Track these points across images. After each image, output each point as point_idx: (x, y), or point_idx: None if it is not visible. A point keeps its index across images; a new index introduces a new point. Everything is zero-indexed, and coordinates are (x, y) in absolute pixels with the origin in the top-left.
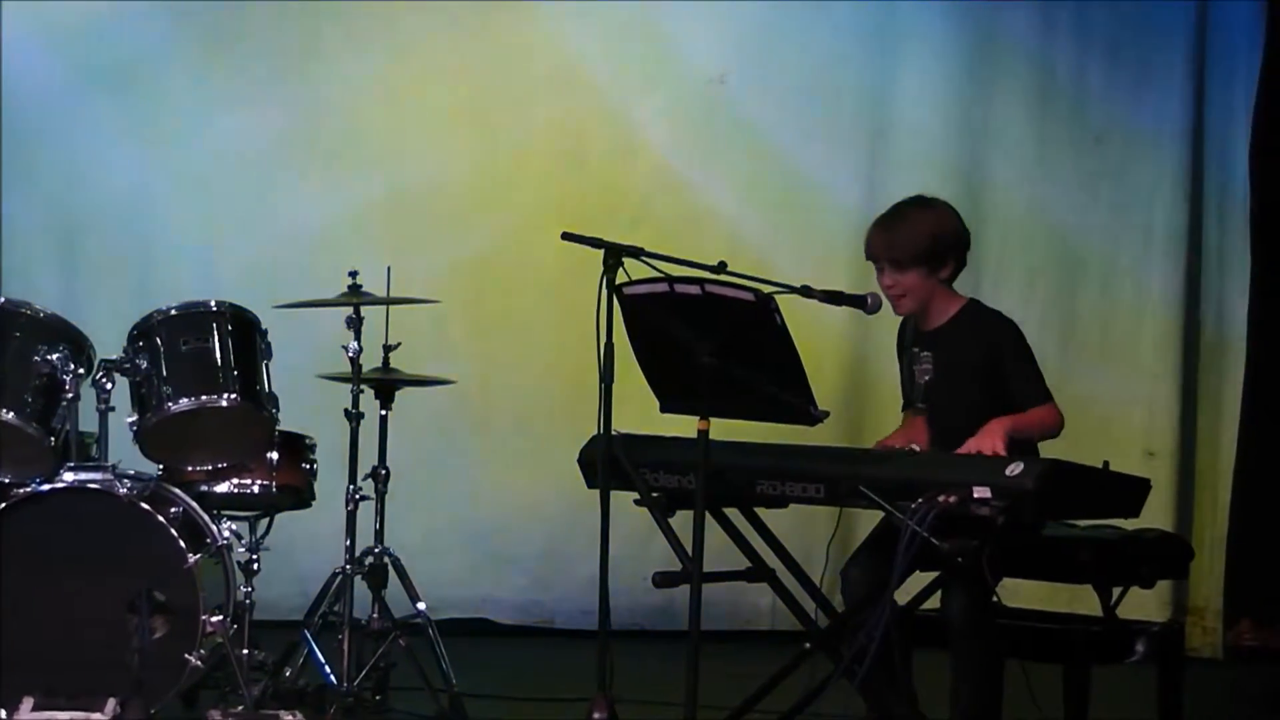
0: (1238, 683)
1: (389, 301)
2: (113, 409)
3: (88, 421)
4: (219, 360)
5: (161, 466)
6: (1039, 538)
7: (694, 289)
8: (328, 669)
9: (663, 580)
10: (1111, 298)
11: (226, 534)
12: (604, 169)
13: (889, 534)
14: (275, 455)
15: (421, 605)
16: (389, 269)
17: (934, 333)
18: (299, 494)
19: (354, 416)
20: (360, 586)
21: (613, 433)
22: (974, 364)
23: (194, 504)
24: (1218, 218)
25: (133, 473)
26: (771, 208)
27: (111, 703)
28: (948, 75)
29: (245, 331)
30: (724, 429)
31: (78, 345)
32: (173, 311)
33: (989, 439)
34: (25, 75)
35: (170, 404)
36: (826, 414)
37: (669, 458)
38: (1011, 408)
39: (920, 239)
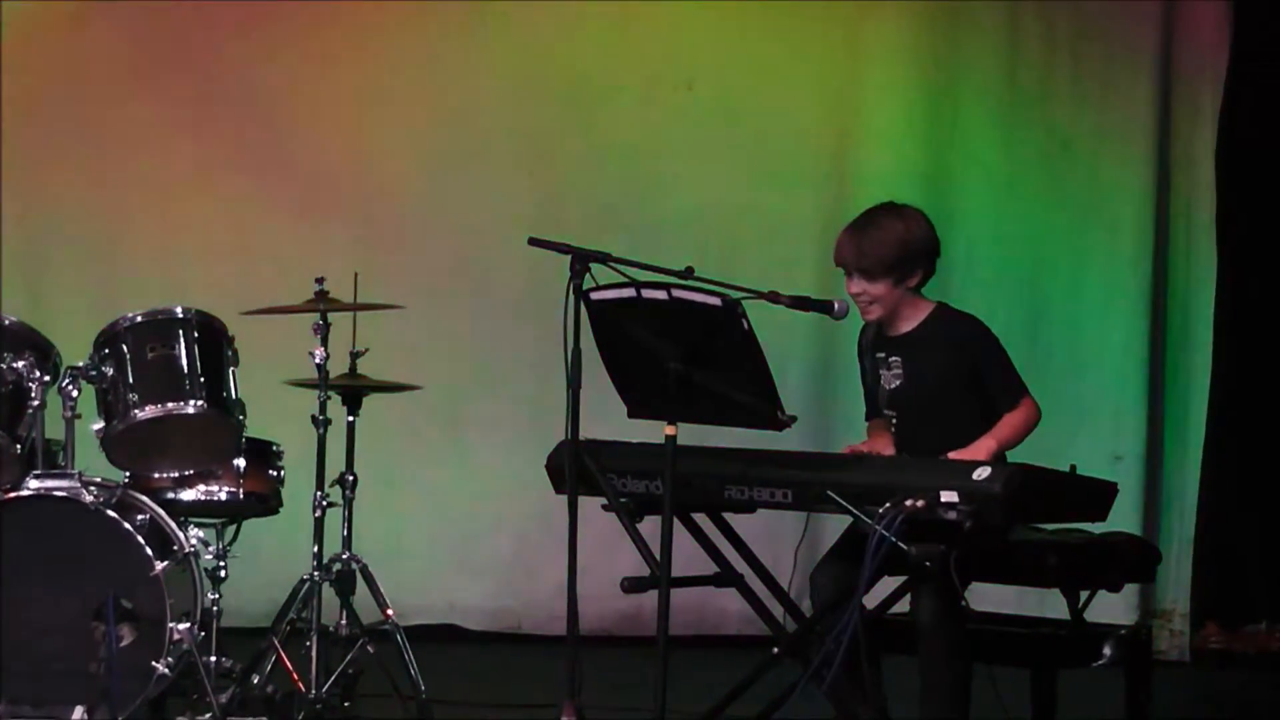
0: (1204, 686)
1: (356, 308)
2: (79, 416)
3: (54, 429)
4: (185, 367)
5: (128, 474)
6: (1006, 542)
7: (661, 294)
8: (296, 676)
9: (631, 586)
10: (1079, 301)
11: (193, 541)
12: (571, 174)
13: (857, 539)
14: (242, 462)
15: (390, 611)
16: (356, 275)
17: (903, 338)
18: (266, 501)
19: (321, 423)
20: (328, 593)
21: (580, 438)
22: (946, 369)
23: (161, 511)
24: (1185, 221)
25: (99, 480)
26: (738, 213)
27: (79, 711)
28: (913, 79)
29: (212, 338)
30: (692, 434)
31: (44, 352)
32: (139, 318)
33: (971, 455)
34: None
35: (136, 411)
36: (794, 419)
37: (637, 463)
38: (984, 410)
39: (890, 248)
